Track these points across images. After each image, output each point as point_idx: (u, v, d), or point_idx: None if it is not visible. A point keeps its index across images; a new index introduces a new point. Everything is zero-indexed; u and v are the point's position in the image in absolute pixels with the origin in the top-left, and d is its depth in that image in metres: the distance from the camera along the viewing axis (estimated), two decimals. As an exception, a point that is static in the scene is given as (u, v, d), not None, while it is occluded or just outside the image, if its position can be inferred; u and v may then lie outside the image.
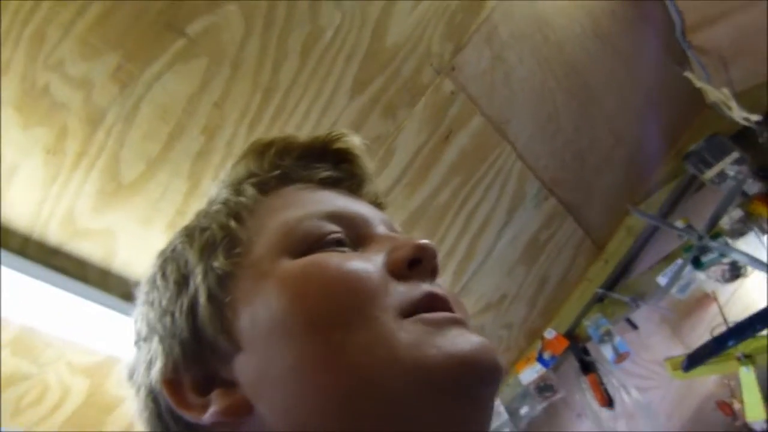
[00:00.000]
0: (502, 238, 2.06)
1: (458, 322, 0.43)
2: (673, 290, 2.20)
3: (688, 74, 2.24)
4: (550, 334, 2.33)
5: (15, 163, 1.20)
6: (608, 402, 2.21)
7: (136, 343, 0.51)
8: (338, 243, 0.47)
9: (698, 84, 2.24)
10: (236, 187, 0.53)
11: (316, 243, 0.46)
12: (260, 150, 0.55)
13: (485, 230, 2.00)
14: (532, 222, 2.11)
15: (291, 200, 0.51)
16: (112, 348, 1.42)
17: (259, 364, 0.43)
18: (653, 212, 2.34)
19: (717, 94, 2.18)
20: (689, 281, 2.20)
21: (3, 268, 1.20)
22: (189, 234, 0.51)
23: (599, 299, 2.33)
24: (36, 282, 1.26)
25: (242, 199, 0.51)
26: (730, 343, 2.17)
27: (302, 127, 1.49)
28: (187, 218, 1.39)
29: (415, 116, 1.68)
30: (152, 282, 0.52)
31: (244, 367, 0.44)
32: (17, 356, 1.35)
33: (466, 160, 1.84)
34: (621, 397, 2.27)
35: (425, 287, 0.45)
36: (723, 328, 2.36)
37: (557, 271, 2.31)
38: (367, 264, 0.45)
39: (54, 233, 1.29)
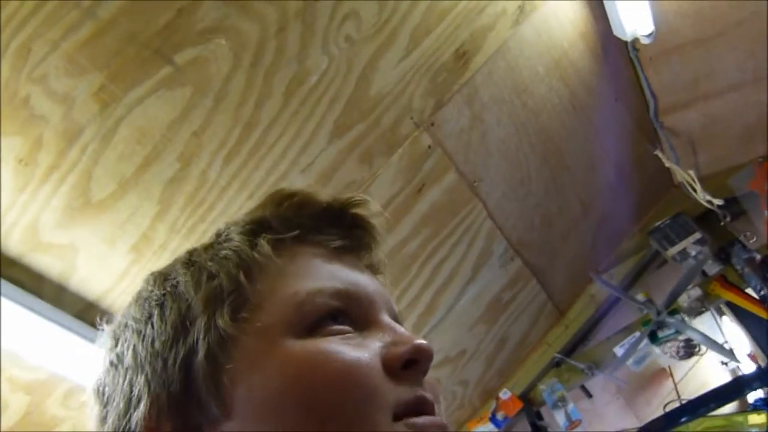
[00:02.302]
0: (466, 294, 2.08)
1: (440, 427, 0.46)
2: (629, 362, 2.23)
3: (658, 153, 2.33)
4: (505, 394, 2.33)
5: (-16, 168, 1.19)
6: (556, 469, 2.20)
7: (114, 365, 0.50)
8: (342, 322, 0.48)
9: (667, 164, 2.32)
10: (251, 239, 0.52)
11: (321, 322, 0.47)
12: (281, 200, 0.55)
13: (449, 285, 2.02)
14: (496, 281, 2.14)
15: (304, 268, 0.51)
16: (58, 367, 1.39)
17: None
18: (616, 283, 2.38)
19: (684, 175, 2.27)
20: (645, 354, 2.24)
21: (-44, 273, 1.18)
22: (195, 275, 0.50)
23: (556, 364, 2.35)
24: (-13, 292, 1.24)
25: (256, 254, 0.50)
26: (683, 419, 2.19)
27: (278, 165, 1.51)
28: (152, 243, 1.39)
29: (391, 166, 1.71)
30: (147, 312, 0.50)
31: None
32: (-44, 368, 1.32)
33: (437, 213, 1.87)
34: (569, 466, 2.26)
35: (418, 391, 0.46)
36: (677, 404, 2.39)
37: (517, 332, 2.33)
38: (368, 358, 0.45)
39: (15, 244, 1.27)
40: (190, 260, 0.53)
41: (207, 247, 0.54)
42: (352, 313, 0.49)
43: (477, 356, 2.27)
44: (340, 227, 0.56)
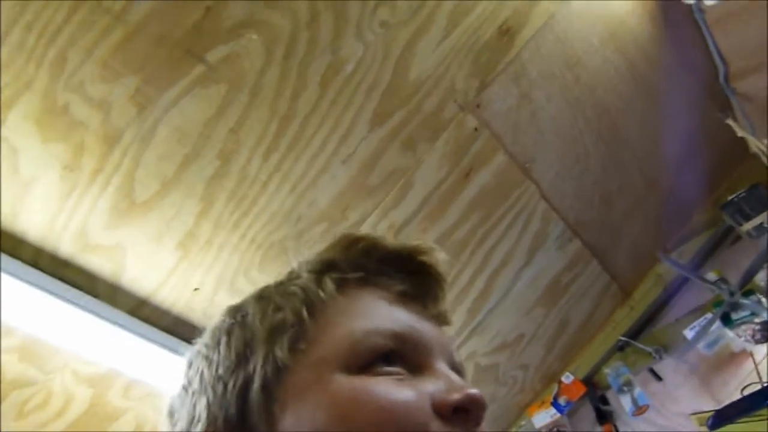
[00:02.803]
0: (521, 278, 2.02)
1: None
2: (700, 345, 2.11)
3: (730, 122, 2.16)
4: (567, 378, 2.26)
5: (33, 176, 1.24)
6: (623, 455, 2.13)
7: (185, 388, 0.54)
8: (395, 363, 0.49)
9: (740, 133, 2.15)
10: (318, 277, 0.55)
11: (374, 361, 0.48)
12: (348, 244, 0.57)
13: (504, 269, 1.96)
14: (554, 263, 2.06)
15: (364, 308, 0.53)
16: (115, 361, 1.45)
17: None
18: (685, 262, 2.25)
19: (759, 144, 2.10)
20: (717, 338, 2.11)
21: (12, 278, 1.24)
22: (263, 306, 0.54)
23: (621, 347, 2.25)
24: (45, 293, 1.29)
25: (320, 292, 0.53)
26: (767, 402, 2.06)
27: (318, 156, 1.50)
28: (198, 239, 1.41)
29: (436, 151, 1.67)
30: (216, 339, 0.54)
31: None
32: (24, 362, 1.39)
33: (488, 197, 1.81)
34: (637, 452, 2.18)
35: None
36: (756, 387, 2.24)
37: (579, 315, 2.24)
38: (417, 399, 0.46)
39: (66, 247, 1.32)
40: (261, 294, 0.56)
41: (278, 284, 0.57)
42: (406, 356, 0.50)
43: (536, 340, 2.21)
44: (405, 273, 0.57)
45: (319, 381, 0.47)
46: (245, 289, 1.55)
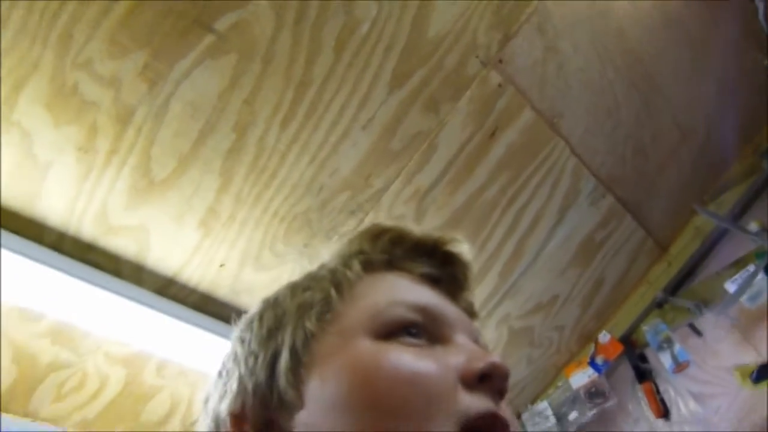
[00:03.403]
0: (554, 237, 1.96)
1: None
2: (743, 299, 2.03)
3: (770, 63, 2.04)
4: (604, 338, 2.21)
5: (48, 160, 1.21)
6: (664, 413, 2.08)
7: (219, 373, 0.56)
8: (417, 335, 0.50)
9: (781, 73, 2.03)
10: (345, 260, 0.58)
11: (398, 329, 0.50)
12: (376, 234, 0.60)
13: (535, 229, 1.90)
14: (586, 221, 1.99)
15: (388, 285, 0.55)
16: (146, 341, 1.44)
17: (316, 425, 0.46)
18: (724, 213, 2.16)
19: (802, 85, 1.98)
20: (761, 290, 2.02)
21: (37, 263, 1.23)
22: (294, 289, 0.57)
23: (659, 304, 2.18)
24: (71, 278, 1.28)
25: (347, 272, 0.56)
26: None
27: (338, 123, 1.45)
28: (219, 215, 1.38)
29: (460, 111, 1.60)
30: (249, 323, 0.57)
31: (302, 424, 0.47)
32: (57, 345, 1.39)
33: (515, 156, 1.74)
34: (678, 408, 2.13)
35: (491, 406, 0.46)
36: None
37: (614, 273, 2.18)
38: (440, 365, 0.47)
39: (88, 230, 1.31)
40: (291, 283, 0.59)
41: (308, 273, 0.60)
42: (429, 328, 0.51)
43: (571, 300, 2.15)
44: (431, 261, 0.59)
45: (345, 346, 0.49)
46: (271, 263, 1.53)
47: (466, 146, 1.66)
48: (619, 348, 2.17)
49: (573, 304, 2.17)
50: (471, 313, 0.60)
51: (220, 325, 1.45)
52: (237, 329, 0.58)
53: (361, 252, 0.59)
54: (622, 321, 2.24)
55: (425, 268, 0.58)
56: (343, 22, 1.35)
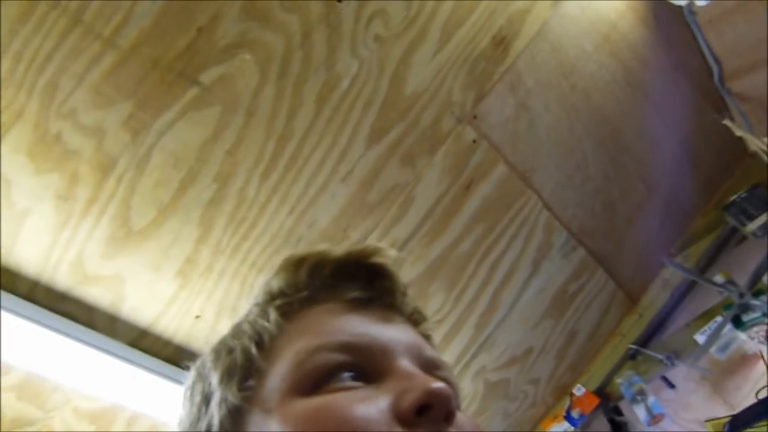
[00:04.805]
0: (528, 289, 1.99)
1: None
2: (713, 350, 2.07)
3: (727, 122, 2.15)
4: (579, 391, 2.21)
5: (26, 208, 1.21)
6: (640, 467, 2.08)
7: None
8: (353, 376, 0.46)
9: (738, 133, 2.14)
10: (264, 308, 0.54)
11: (326, 378, 0.46)
12: (293, 266, 0.55)
13: (510, 281, 1.93)
14: (559, 273, 2.03)
15: (310, 327, 0.51)
16: (117, 395, 1.40)
17: None
18: (691, 265, 2.22)
19: (758, 143, 2.08)
20: (730, 341, 2.07)
21: (9, 313, 1.20)
22: (218, 352, 0.53)
23: (632, 356, 2.21)
24: (43, 328, 1.26)
25: (266, 324, 0.52)
26: (782, 405, 2.02)
27: (317, 176, 1.47)
28: (197, 266, 1.38)
29: (436, 165, 1.64)
30: (185, 396, 0.54)
31: None
32: (23, 401, 1.35)
33: (490, 209, 1.79)
34: (655, 462, 2.13)
35: None
36: (769, 391, 2.20)
37: (587, 325, 2.21)
38: (374, 411, 0.43)
39: (63, 279, 1.29)
40: (219, 340, 0.55)
41: (234, 324, 0.56)
42: (363, 364, 0.47)
43: (546, 352, 2.17)
44: (358, 280, 0.55)
45: (274, 411, 0.45)
46: (248, 314, 1.52)
47: (442, 199, 1.70)
48: (595, 401, 2.18)
49: (548, 357, 2.18)
50: (415, 320, 0.57)
51: (194, 378, 1.42)
52: (180, 402, 0.55)
53: (280, 294, 0.54)
54: (597, 373, 2.25)
55: (352, 293, 0.53)
56: (324, 78, 1.39)
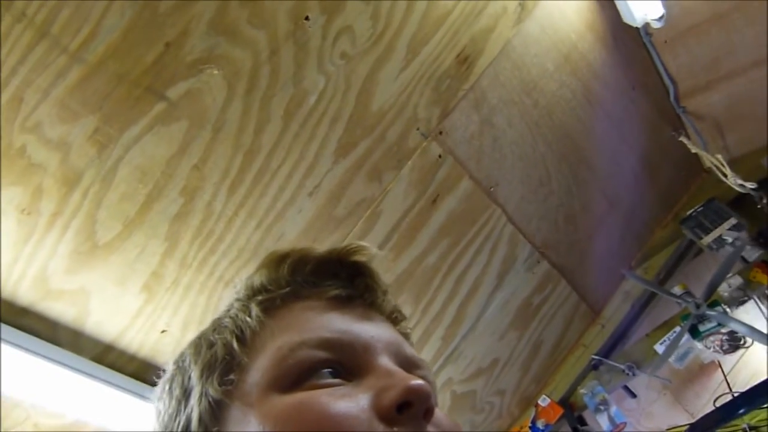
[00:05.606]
0: (493, 301, 2.02)
1: None
2: (671, 359, 2.13)
3: (683, 139, 2.24)
4: (544, 401, 2.25)
5: (-12, 222, 1.19)
6: (604, 476, 2.12)
7: None
8: (333, 373, 0.47)
9: (694, 149, 2.23)
10: (246, 304, 0.54)
11: (306, 374, 0.46)
12: (275, 262, 0.55)
13: (475, 294, 1.96)
14: (524, 286, 2.07)
15: (292, 323, 0.51)
16: (81, 411, 1.39)
17: None
18: (651, 277, 2.29)
19: (712, 159, 2.17)
20: (687, 350, 2.14)
21: (-32, 329, 1.18)
22: (198, 347, 0.52)
23: (595, 366, 2.26)
24: (4, 344, 1.24)
25: (248, 319, 0.52)
26: (740, 411, 2.08)
27: (284, 190, 1.49)
28: (163, 280, 1.38)
29: (402, 179, 1.67)
30: (162, 392, 0.53)
31: None
32: (-18, 418, 1.32)
33: (455, 223, 1.82)
34: (618, 471, 2.17)
35: None
36: (728, 398, 2.27)
37: (551, 336, 2.25)
38: (355, 408, 0.43)
39: (25, 294, 1.27)
40: (198, 334, 0.54)
41: (215, 319, 0.55)
42: (344, 361, 0.48)
43: (511, 364, 2.20)
44: (339, 278, 0.55)
45: (254, 406, 0.45)
46: (215, 328, 1.51)
47: (408, 214, 1.73)
48: (559, 411, 2.22)
49: (513, 368, 2.21)
50: (395, 318, 0.58)
51: (160, 392, 1.41)
52: (154, 396, 0.54)
53: (262, 290, 0.54)
54: (561, 384, 2.30)
55: (333, 290, 0.53)
56: (291, 94, 1.41)
